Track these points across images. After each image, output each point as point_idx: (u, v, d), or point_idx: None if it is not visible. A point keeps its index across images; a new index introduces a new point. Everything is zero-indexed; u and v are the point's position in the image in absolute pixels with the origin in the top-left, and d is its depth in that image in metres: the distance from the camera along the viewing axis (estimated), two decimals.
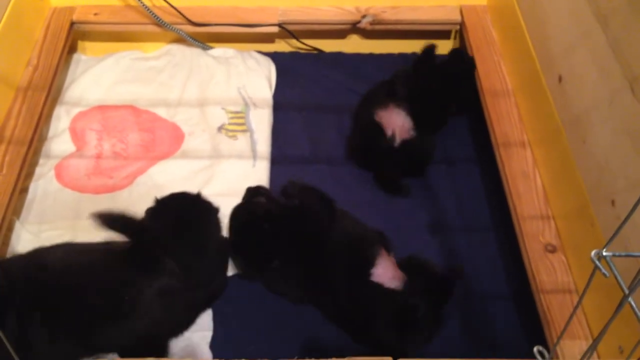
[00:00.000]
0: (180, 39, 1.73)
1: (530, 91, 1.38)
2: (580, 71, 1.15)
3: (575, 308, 0.78)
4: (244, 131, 1.56)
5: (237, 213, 1.28)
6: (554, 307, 1.12)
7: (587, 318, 1.10)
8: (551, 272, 1.17)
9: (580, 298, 0.74)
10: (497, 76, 1.52)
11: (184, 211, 1.26)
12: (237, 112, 1.60)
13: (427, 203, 1.42)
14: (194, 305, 1.20)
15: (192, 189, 1.43)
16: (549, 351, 0.82)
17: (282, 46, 1.79)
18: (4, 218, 1.27)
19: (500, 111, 1.45)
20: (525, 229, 1.24)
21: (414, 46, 1.76)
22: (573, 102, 1.17)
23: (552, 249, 1.21)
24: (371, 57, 1.77)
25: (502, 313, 1.24)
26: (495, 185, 1.40)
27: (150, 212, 1.24)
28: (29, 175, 1.45)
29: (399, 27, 1.70)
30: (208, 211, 1.28)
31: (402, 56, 1.77)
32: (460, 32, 1.73)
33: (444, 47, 1.78)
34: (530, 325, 1.19)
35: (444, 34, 1.76)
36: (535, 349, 0.84)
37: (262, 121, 1.58)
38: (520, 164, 1.34)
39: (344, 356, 0.92)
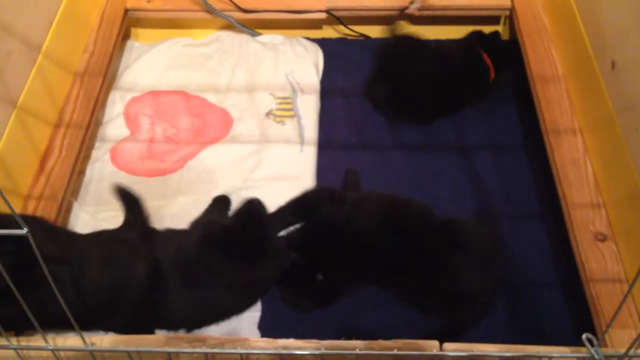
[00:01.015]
0: (229, 26, 1.76)
1: (582, 77, 1.36)
2: (635, 56, 1.12)
3: (625, 296, 0.78)
4: (291, 117, 1.58)
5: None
6: (603, 296, 1.11)
7: (638, 308, 1.08)
8: (601, 261, 1.16)
9: (631, 286, 0.74)
10: (548, 62, 1.50)
11: None
12: (284, 98, 1.62)
13: (474, 190, 1.42)
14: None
15: (240, 173, 1.47)
16: (597, 339, 0.82)
17: (329, 32, 1.80)
18: (63, 199, 1.33)
19: (550, 97, 1.43)
20: (575, 217, 1.23)
21: (462, 32, 1.74)
22: (627, 89, 1.15)
23: (603, 238, 1.19)
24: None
25: (550, 301, 1.24)
26: (543, 172, 1.39)
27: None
28: (86, 158, 1.50)
29: (447, 12, 1.69)
30: None
31: (450, 41, 1.74)
32: (510, 17, 1.70)
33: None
34: (579, 314, 1.18)
35: (493, 20, 1.74)
36: (584, 336, 0.84)
37: (309, 107, 1.59)
38: (571, 151, 1.33)
39: (388, 338, 0.93)
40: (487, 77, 1.56)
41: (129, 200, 1.31)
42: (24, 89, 1.30)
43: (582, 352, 0.86)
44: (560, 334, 1.17)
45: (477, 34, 1.62)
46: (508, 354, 0.88)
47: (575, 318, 1.20)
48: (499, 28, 1.77)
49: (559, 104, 1.42)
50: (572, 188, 1.27)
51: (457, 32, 1.74)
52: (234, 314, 1.22)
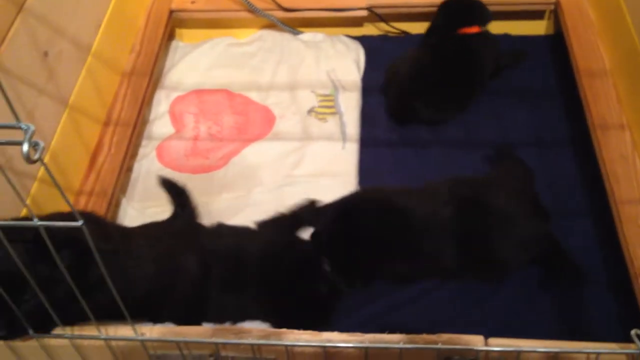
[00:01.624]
0: (271, 25, 1.78)
1: (630, 71, 1.33)
2: None
3: None
4: (333, 114, 1.59)
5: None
6: None
7: None
8: None
9: None
10: (594, 56, 1.47)
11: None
12: (326, 95, 1.63)
13: None
14: None
15: (283, 170, 1.49)
16: None
17: (370, 30, 1.80)
18: (112, 195, 1.37)
19: (597, 92, 1.40)
20: (623, 213, 1.21)
21: (506, 27, 1.73)
22: None
23: None
24: None
25: (597, 298, 1.22)
26: (590, 168, 1.36)
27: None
28: (133, 155, 1.54)
29: (491, 7, 1.66)
30: None
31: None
32: (555, 11, 1.68)
33: (538, 27, 1.75)
34: (627, 312, 1.16)
35: (537, 14, 1.72)
36: (633, 332, 0.83)
37: (351, 104, 1.60)
38: (619, 146, 1.30)
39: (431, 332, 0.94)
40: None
41: (177, 192, 1.34)
42: (75, 89, 1.34)
43: (631, 348, 0.85)
44: (607, 331, 1.15)
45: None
46: (555, 350, 0.87)
47: (623, 315, 1.18)
48: (544, 22, 1.74)
49: (606, 98, 1.39)
50: (620, 184, 1.25)
51: (500, 28, 1.73)
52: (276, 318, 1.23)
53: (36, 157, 0.61)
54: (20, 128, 0.61)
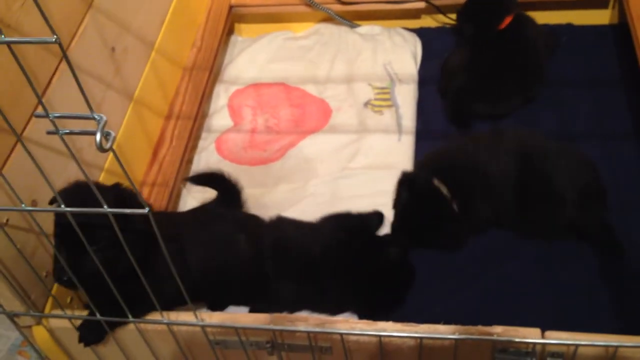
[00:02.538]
0: (328, 18, 1.80)
1: None
2: None
3: None
4: (389, 106, 1.59)
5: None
6: None
7: None
8: None
9: None
10: None
11: None
12: (382, 88, 1.64)
13: None
14: None
15: (339, 162, 1.50)
16: None
17: (427, 22, 1.79)
18: (174, 186, 1.41)
19: None
20: None
21: (568, 17, 1.69)
22: None
23: None
24: None
25: None
26: None
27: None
28: (193, 148, 1.59)
29: None
30: None
31: (556, 27, 1.70)
32: (619, 1, 1.62)
33: (601, 17, 1.70)
34: None
35: (601, 3, 1.67)
36: None
37: (407, 96, 1.60)
38: None
39: (489, 324, 0.93)
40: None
41: (225, 184, 1.35)
42: (140, 83, 1.39)
43: None
44: None
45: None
46: (614, 344, 0.85)
47: None
48: (607, 12, 1.69)
49: None
50: None
51: (562, 17, 1.69)
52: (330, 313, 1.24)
53: (108, 146, 0.64)
54: (93, 119, 0.64)
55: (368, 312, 1.15)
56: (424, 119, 1.56)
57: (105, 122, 0.65)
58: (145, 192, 1.38)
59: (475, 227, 1.30)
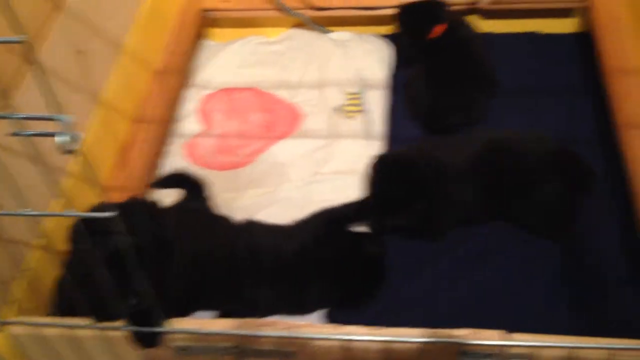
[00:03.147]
0: (300, 24, 1.80)
1: None
2: None
3: None
4: (360, 112, 1.60)
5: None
6: None
7: None
8: None
9: None
10: (623, 55, 1.45)
11: None
12: (354, 94, 1.65)
13: None
14: None
15: (310, 167, 1.51)
16: None
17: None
18: (142, 190, 1.40)
19: (625, 91, 1.39)
20: None
21: (533, 24, 1.72)
22: None
23: None
24: (489, 37, 1.75)
25: (620, 298, 1.20)
26: (616, 167, 1.35)
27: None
28: (162, 153, 1.57)
29: (520, 6, 1.66)
30: None
31: (521, 36, 1.73)
32: (584, 10, 1.66)
33: (565, 26, 1.73)
34: None
35: (564, 12, 1.70)
36: None
37: (378, 102, 1.61)
38: None
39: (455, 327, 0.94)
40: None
41: (192, 184, 1.36)
42: (108, 86, 1.38)
43: None
44: (630, 331, 1.14)
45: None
46: (576, 346, 0.87)
47: None
48: (571, 21, 1.72)
49: (634, 98, 1.37)
50: None
51: (529, 26, 1.72)
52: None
53: (74, 147, 0.64)
54: (60, 120, 0.64)
55: (339, 308, 1.15)
56: (395, 124, 1.57)
57: (71, 124, 0.65)
58: (112, 197, 1.37)
59: (451, 215, 1.31)
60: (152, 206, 1.18)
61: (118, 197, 1.36)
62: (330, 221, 1.27)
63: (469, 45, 1.56)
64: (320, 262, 1.20)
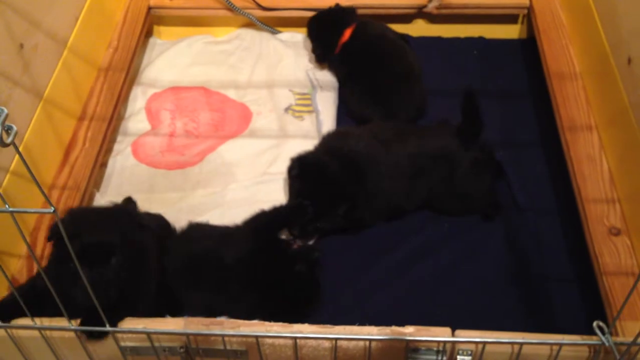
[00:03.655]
0: (250, 24, 1.79)
1: (599, 74, 1.37)
2: None
3: (634, 285, 0.79)
4: (310, 112, 1.60)
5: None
6: (616, 289, 1.12)
7: None
8: (614, 255, 1.17)
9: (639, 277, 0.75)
10: (565, 59, 1.51)
11: None
12: (303, 94, 1.65)
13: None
14: None
15: (259, 167, 1.50)
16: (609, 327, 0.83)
17: None
18: (86, 189, 1.36)
19: (567, 94, 1.44)
20: (589, 212, 1.23)
21: (481, 30, 1.76)
22: None
23: (617, 232, 1.20)
24: (436, 41, 1.78)
25: (564, 295, 1.24)
26: (560, 168, 1.39)
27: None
28: (108, 151, 1.54)
29: (466, 11, 1.70)
30: None
31: (468, 40, 1.76)
32: (528, 16, 1.71)
33: (512, 31, 1.78)
34: (593, 309, 1.19)
35: (511, 18, 1.75)
36: (595, 324, 0.85)
37: (327, 103, 1.62)
38: (586, 147, 1.33)
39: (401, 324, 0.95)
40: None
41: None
42: (50, 82, 1.34)
43: (593, 339, 0.87)
44: (573, 328, 1.17)
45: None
46: (519, 341, 0.89)
47: (589, 312, 1.21)
48: (518, 26, 1.77)
49: (576, 100, 1.42)
50: (587, 183, 1.27)
51: (475, 31, 1.76)
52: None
53: (9, 140, 0.61)
54: None
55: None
56: (343, 125, 1.58)
57: (7, 115, 0.62)
58: (55, 195, 1.33)
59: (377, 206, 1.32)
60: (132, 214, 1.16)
61: (61, 195, 1.33)
62: (261, 229, 1.25)
63: (379, 44, 1.57)
64: (251, 272, 1.19)
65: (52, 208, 0.72)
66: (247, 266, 1.19)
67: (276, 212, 1.27)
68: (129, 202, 1.28)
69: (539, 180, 1.44)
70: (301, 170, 1.30)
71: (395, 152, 1.31)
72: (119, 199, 1.44)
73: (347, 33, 1.56)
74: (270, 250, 1.21)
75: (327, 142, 1.39)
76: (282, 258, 1.20)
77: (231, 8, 1.71)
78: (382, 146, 1.32)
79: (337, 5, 1.62)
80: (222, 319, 1.04)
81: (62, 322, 0.93)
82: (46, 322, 0.96)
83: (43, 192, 0.72)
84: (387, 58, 1.55)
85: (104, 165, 1.51)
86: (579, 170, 1.30)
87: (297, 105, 1.63)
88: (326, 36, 1.60)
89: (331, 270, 1.25)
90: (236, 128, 1.59)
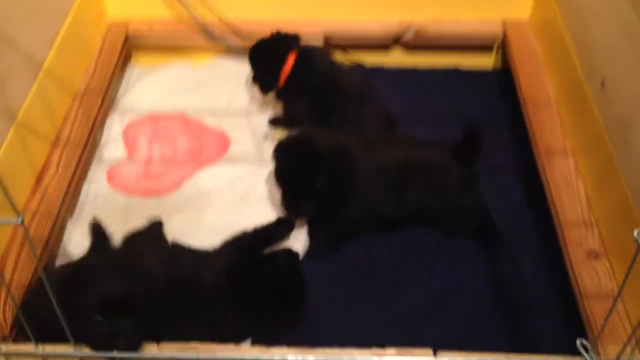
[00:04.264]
0: (228, 52, 1.79)
1: (573, 99, 1.39)
2: (624, 72, 1.15)
3: (613, 305, 0.79)
4: None
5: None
6: (597, 312, 1.11)
7: (632, 322, 1.08)
8: (594, 278, 1.16)
9: (618, 294, 0.74)
10: (539, 87, 1.53)
11: None
12: None
13: None
14: None
15: (237, 193, 1.48)
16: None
17: None
18: (58, 215, 1.33)
19: (542, 121, 1.45)
20: (568, 235, 1.24)
21: (456, 60, 1.79)
22: (616, 105, 1.18)
23: (596, 255, 1.20)
24: (412, 72, 1.80)
25: (545, 320, 1.23)
26: (537, 194, 1.40)
27: None
28: (82, 178, 1.51)
29: (442, 41, 1.73)
30: None
31: (443, 71, 1.79)
32: (502, 45, 1.74)
33: (486, 61, 1.81)
34: (574, 333, 1.17)
35: (486, 48, 1.78)
36: (578, 342, 0.85)
37: None
38: (563, 172, 1.35)
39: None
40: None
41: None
42: (24, 105, 1.32)
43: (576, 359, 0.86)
44: (555, 351, 1.16)
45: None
46: None
47: (570, 336, 1.19)
48: (492, 57, 1.80)
49: (551, 126, 1.44)
50: (565, 207, 1.28)
51: (450, 61, 1.79)
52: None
53: None
54: None
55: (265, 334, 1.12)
56: None
57: None
58: (25, 221, 1.28)
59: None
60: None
61: (32, 220, 1.29)
62: (245, 250, 1.23)
63: (324, 70, 1.55)
64: (234, 293, 1.16)
65: (20, 218, 0.69)
66: (230, 289, 1.16)
67: (256, 232, 1.25)
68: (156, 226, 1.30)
69: (513, 206, 1.44)
70: (281, 146, 1.28)
71: (385, 155, 1.31)
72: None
73: (290, 60, 1.52)
74: (254, 270, 1.18)
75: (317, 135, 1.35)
76: (264, 272, 1.17)
77: (210, 36, 1.71)
78: (373, 148, 1.32)
79: (277, 32, 1.58)
80: (196, 343, 1.01)
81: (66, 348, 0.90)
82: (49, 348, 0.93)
83: (11, 201, 0.69)
84: (333, 84, 1.53)
85: (77, 192, 1.48)
86: (556, 194, 1.30)
87: (275, 131, 1.62)
88: (268, 64, 1.54)
89: (313, 292, 1.22)
90: (214, 155, 1.58)
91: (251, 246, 1.23)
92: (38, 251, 1.19)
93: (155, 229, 1.33)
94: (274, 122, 1.61)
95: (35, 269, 1.17)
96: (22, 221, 0.68)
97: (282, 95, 1.57)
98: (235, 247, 1.22)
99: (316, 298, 1.23)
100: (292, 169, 1.27)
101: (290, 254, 1.19)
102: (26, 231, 0.70)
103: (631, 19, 1.13)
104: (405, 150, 1.33)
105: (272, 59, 1.52)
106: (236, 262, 1.18)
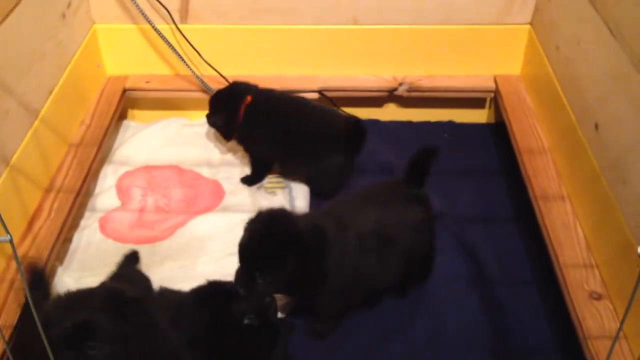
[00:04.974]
0: None
1: (567, 145, 1.40)
2: (617, 114, 1.17)
3: (616, 337, 0.76)
4: (282, 188, 1.59)
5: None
6: (601, 353, 1.07)
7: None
8: (597, 319, 1.13)
9: (628, 307, 0.72)
10: (533, 136, 1.55)
11: None
12: (276, 175, 1.64)
13: (468, 258, 1.42)
14: None
15: (230, 240, 1.45)
16: None
17: None
18: (47, 260, 1.30)
19: (537, 167, 1.46)
20: (568, 278, 1.21)
21: (450, 114, 1.81)
22: (610, 146, 1.18)
23: (598, 297, 1.17)
24: (407, 125, 1.82)
25: None
26: (535, 241, 1.39)
27: None
28: (74, 226, 1.49)
29: (435, 94, 1.75)
30: None
31: (438, 124, 1.81)
32: (495, 99, 1.77)
33: (479, 116, 1.83)
34: None
35: (479, 102, 1.81)
36: None
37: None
38: (560, 216, 1.34)
39: None
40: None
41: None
42: (19, 150, 1.31)
43: None
44: None
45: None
46: None
47: None
48: (485, 112, 1.83)
49: (546, 173, 1.44)
50: (564, 250, 1.26)
51: (444, 115, 1.81)
52: None
53: None
54: None
55: None
56: (316, 201, 1.57)
57: None
58: (14, 265, 1.26)
59: None
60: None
61: (22, 264, 1.26)
62: (213, 302, 1.15)
63: (276, 108, 1.57)
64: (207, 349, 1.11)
65: (9, 236, 0.67)
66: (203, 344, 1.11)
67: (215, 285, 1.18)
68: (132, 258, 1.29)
69: (512, 252, 1.42)
70: (252, 219, 1.20)
71: (358, 229, 1.22)
72: (83, 274, 1.38)
73: (243, 107, 1.55)
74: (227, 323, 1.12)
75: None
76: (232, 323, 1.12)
77: (206, 90, 1.73)
78: (346, 224, 1.22)
79: (234, 82, 1.63)
80: None
81: None
82: None
83: (1, 220, 0.68)
84: (287, 123, 1.56)
85: (68, 240, 1.46)
86: (555, 237, 1.29)
87: (269, 182, 1.62)
88: (227, 106, 1.58)
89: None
90: (208, 204, 1.56)
91: (223, 300, 1.15)
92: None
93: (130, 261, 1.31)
94: (244, 180, 1.62)
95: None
96: (11, 240, 0.66)
97: (242, 142, 1.62)
98: (206, 300, 1.16)
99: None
100: (254, 244, 1.17)
101: (263, 305, 1.13)
102: (13, 249, 0.68)
103: (621, 62, 1.15)
104: (377, 216, 1.24)
105: (227, 108, 1.57)
106: (208, 315, 1.12)
